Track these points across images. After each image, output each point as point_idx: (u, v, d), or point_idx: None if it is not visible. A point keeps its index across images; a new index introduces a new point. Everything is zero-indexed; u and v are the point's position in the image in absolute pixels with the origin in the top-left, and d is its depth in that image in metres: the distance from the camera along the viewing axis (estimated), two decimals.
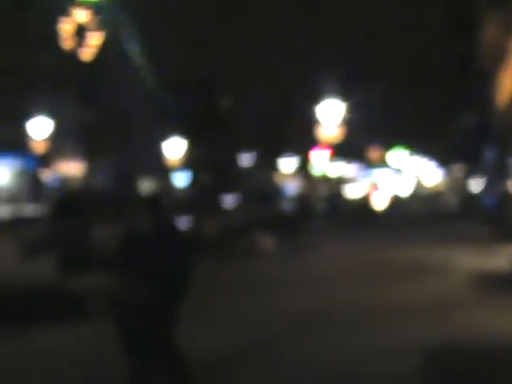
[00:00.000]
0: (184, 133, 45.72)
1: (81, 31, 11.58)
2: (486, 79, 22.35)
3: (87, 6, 11.69)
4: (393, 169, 67.98)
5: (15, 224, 14.46)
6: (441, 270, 14.91)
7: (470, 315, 9.69)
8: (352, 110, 36.89)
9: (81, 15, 11.61)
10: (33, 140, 37.09)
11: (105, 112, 44.10)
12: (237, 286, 13.38)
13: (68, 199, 17.42)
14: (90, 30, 11.63)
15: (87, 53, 11.75)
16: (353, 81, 43.89)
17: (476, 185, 40.54)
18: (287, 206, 31.19)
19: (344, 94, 33.24)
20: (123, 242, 6.25)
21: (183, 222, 19.95)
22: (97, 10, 11.69)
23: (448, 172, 67.72)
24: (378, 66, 51.70)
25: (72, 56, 12.21)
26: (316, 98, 34.56)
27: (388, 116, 58.53)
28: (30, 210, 21.40)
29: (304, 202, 34.41)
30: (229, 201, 28.40)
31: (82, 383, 6.98)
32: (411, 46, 49.87)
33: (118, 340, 6.09)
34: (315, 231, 27.03)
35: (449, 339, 8.25)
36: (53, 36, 26.95)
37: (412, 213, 44.15)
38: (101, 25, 11.75)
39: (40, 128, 36.43)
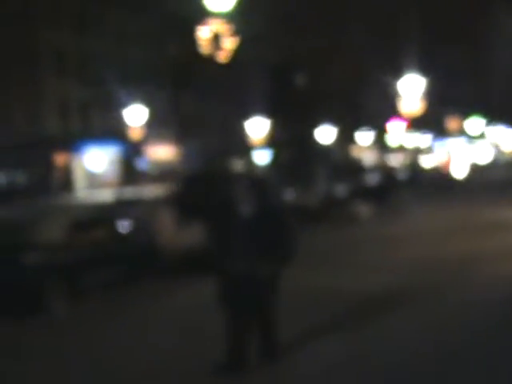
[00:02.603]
0: (266, 112, 47.55)
1: (216, 37, 14.04)
2: None
3: (221, 15, 14.18)
4: (471, 137, 68.61)
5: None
6: None
7: None
8: (431, 83, 38.20)
9: (215, 24, 14.09)
10: (128, 127, 39.35)
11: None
12: (350, 244, 15.90)
13: (193, 179, 20.31)
14: (224, 36, 14.07)
15: (223, 56, 14.18)
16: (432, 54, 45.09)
17: None
18: (372, 177, 33.06)
19: (424, 69, 34.78)
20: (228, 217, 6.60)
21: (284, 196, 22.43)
22: (229, 18, 14.16)
23: None
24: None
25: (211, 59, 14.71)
26: (397, 73, 36.13)
27: (464, 84, 59.27)
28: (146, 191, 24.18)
29: (388, 172, 36.32)
30: (321, 175, 30.73)
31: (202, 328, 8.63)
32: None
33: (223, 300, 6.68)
34: (403, 199, 29.05)
35: None
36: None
37: (492, 180, 45.33)
38: (233, 31, 14.19)
39: (136, 115, 38.32)
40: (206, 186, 17.96)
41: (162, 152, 50.21)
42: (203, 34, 14.61)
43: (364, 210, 23.05)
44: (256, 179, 7.37)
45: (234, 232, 6.47)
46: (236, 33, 14.41)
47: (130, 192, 24.12)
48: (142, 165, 45.96)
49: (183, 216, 14.68)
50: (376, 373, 6.55)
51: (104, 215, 13.77)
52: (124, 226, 13.65)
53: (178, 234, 14.15)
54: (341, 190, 25.75)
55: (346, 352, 7.28)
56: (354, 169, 34.17)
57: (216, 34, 14.20)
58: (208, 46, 14.50)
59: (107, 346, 8.49)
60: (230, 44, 14.28)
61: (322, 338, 7.80)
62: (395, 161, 49.63)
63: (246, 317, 6.59)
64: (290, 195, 22.81)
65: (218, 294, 6.72)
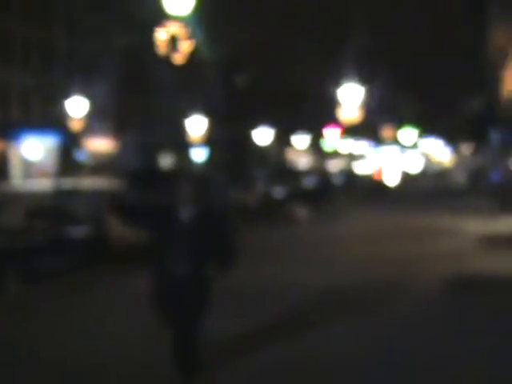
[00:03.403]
0: (205, 111, 48.18)
1: (173, 39, 14.69)
2: (493, 70, 25.38)
3: (178, 19, 14.84)
4: (403, 146, 70.67)
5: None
6: (452, 232, 18.27)
7: (475, 259, 13.56)
8: (367, 92, 39.50)
9: (173, 27, 14.74)
10: (68, 118, 39.42)
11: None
12: (290, 242, 16.77)
13: (141, 173, 20.70)
14: (181, 39, 14.71)
15: (179, 58, 14.79)
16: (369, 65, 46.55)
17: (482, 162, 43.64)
18: (309, 181, 34.04)
19: (362, 78, 36.03)
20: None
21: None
22: (186, 22, 14.82)
23: (456, 150, 70.64)
24: (393, 50, 54.27)
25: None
26: (335, 81, 37.30)
27: (398, 96, 61.09)
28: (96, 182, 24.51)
29: (324, 177, 37.42)
30: (260, 175, 31.56)
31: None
32: (426, 31, 52.42)
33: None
34: (338, 203, 30.15)
35: (461, 272, 12.20)
36: None
37: (422, 188, 47.03)
38: (190, 35, 14.84)
39: (77, 107, 38.37)
40: (149, 185, 18.21)
41: (100, 144, 50.28)
42: (160, 35, 15.27)
43: (301, 211, 23.95)
44: (199, 178, 6.82)
45: (174, 235, 6.37)
46: (192, 35, 15.11)
47: (77, 183, 24.43)
48: (80, 156, 45.95)
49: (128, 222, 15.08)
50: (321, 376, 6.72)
51: (56, 204, 14.27)
52: (75, 214, 14.16)
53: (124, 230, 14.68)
54: (279, 191, 26.63)
55: (290, 353, 7.39)
56: (292, 172, 35.18)
57: (173, 36, 14.88)
58: (164, 48, 15.16)
59: (58, 324, 9.04)
60: (186, 46, 14.97)
61: (264, 339, 7.93)
62: (331, 166, 50.87)
63: (179, 321, 6.45)
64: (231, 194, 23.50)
65: (152, 296, 6.59)
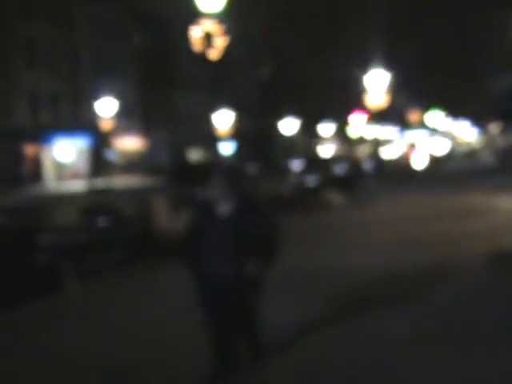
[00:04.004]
0: (232, 104, 48.54)
1: (208, 36, 15.21)
2: None
3: (212, 16, 15.35)
4: (430, 129, 70.52)
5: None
6: (485, 210, 18.60)
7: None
8: (393, 77, 39.60)
9: (207, 24, 15.27)
10: (98, 119, 40.04)
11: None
12: (329, 228, 17.25)
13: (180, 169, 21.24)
14: (215, 36, 15.23)
15: (214, 54, 15.31)
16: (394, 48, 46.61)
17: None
18: (340, 168, 34.42)
19: (387, 62, 36.21)
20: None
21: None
22: (220, 19, 15.33)
23: (483, 130, 70.30)
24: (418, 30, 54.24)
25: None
26: (361, 67, 37.49)
27: (425, 78, 60.92)
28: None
29: (354, 163, 37.76)
30: (293, 165, 32.11)
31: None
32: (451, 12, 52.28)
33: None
34: (369, 187, 30.48)
35: (498, 248, 12.53)
36: None
37: (451, 170, 47.08)
38: (224, 31, 15.36)
39: (106, 107, 38.94)
40: (189, 181, 18.64)
41: (129, 143, 50.99)
42: (195, 33, 15.80)
43: (336, 197, 24.43)
44: (233, 171, 6.68)
45: (215, 231, 6.18)
46: (226, 32, 15.63)
47: (116, 182, 25.02)
48: (110, 155, 46.68)
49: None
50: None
51: (103, 202, 14.91)
52: (121, 211, 14.80)
53: (172, 220, 15.29)
54: (311, 179, 27.19)
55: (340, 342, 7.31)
56: (322, 160, 35.65)
57: (207, 33, 15.38)
58: (200, 45, 15.70)
59: (118, 316, 9.51)
60: (220, 42, 15.51)
61: (316, 327, 7.85)
62: (360, 152, 51.16)
63: (228, 319, 6.30)
64: (264, 185, 24.05)
65: (196, 297, 6.48)
